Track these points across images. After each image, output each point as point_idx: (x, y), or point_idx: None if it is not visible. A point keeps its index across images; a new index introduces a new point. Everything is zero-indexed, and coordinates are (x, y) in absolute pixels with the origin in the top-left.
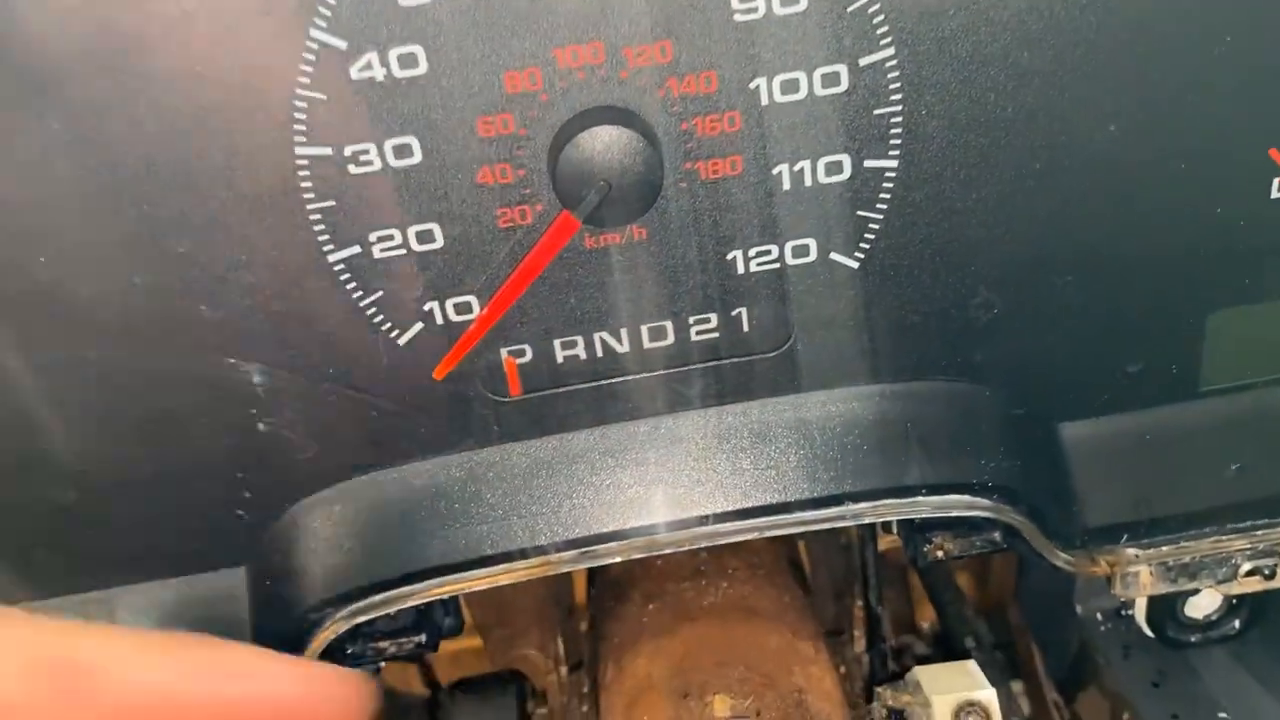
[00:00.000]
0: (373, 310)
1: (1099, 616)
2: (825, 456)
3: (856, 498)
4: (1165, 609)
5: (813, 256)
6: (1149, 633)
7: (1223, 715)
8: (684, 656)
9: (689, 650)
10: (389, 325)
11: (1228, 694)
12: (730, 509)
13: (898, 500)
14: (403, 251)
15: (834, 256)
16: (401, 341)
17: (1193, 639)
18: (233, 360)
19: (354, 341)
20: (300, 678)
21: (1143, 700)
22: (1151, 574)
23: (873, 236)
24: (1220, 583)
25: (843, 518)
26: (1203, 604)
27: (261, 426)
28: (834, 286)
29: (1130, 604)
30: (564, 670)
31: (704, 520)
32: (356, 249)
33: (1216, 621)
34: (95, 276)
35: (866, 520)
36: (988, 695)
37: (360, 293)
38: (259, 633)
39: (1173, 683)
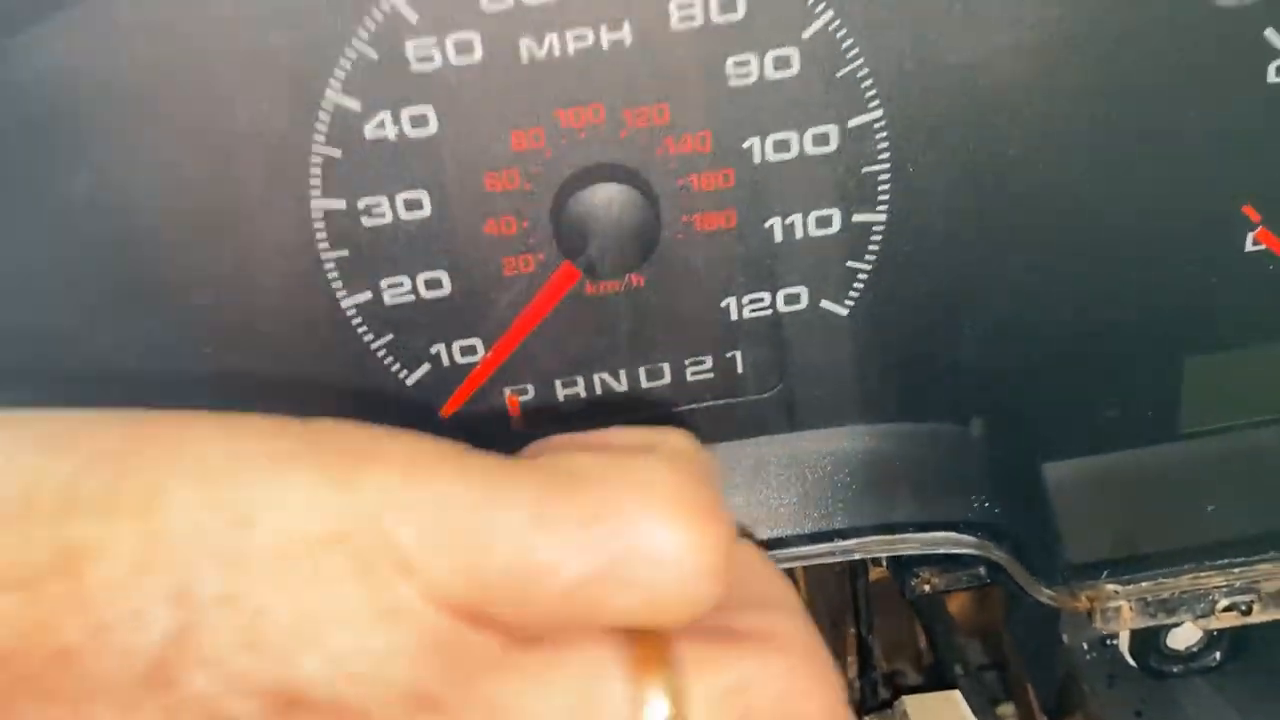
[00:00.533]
0: (383, 352)
1: (1085, 646)
2: (816, 494)
3: (846, 534)
4: (1148, 641)
5: (803, 304)
6: (1132, 663)
7: None
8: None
9: None
10: (398, 366)
11: None
12: None
13: (886, 537)
14: (412, 298)
15: (824, 304)
16: (409, 382)
17: (1174, 670)
18: (240, 405)
19: (364, 382)
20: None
21: None
22: (1131, 609)
23: (861, 286)
24: (1198, 618)
25: (833, 554)
26: (1184, 636)
27: None
28: (824, 332)
29: (1114, 635)
30: None
31: None
32: (368, 295)
33: (1198, 653)
34: (113, 327)
35: (855, 556)
36: None
37: (370, 336)
38: None
39: (1154, 712)
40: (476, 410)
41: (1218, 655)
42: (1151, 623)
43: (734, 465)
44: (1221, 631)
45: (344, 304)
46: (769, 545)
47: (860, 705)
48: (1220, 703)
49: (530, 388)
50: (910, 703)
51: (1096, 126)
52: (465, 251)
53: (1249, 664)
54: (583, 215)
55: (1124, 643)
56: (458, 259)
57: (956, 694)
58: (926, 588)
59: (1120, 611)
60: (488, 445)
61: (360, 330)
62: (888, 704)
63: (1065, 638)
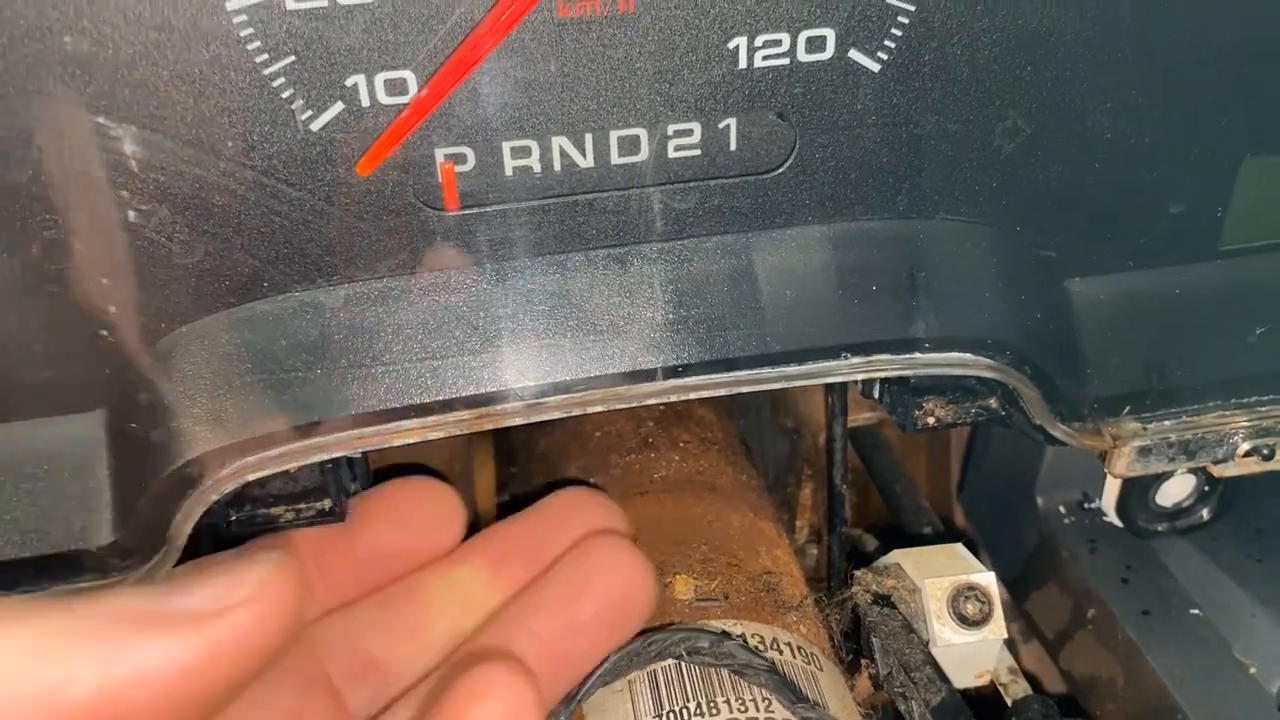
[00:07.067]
0: (280, 82)
1: (1062, 510)
2: (814, 302)
3: (853, 350)
4: (1137, 497)
5: (829, 53)
6: (1117, 522)
7: (1195, 611)
8: (634, 534)
9: (640, 527)
10: (301, 103)
11: (1199, 589)
12: (708, 359)
13: (894, 355)
14: (325, 3)
15: (853, 55)
16: (315, 126)
17: (1159, 529)
18: (103, 120)
19: (251, 127)
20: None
21: (1113, 595)
22: (1151, 450)
23: (900, 34)
24: (1217, 462)
25: (833, 373)
26: (1173, 491)
27: (133, 216)
28: (846, 95)
29: (1092, 497)
30: None
31: (676, 371)
32: None
33: (1186, 509)
34: None
35: (859, 376)
36: (986, 578)
37: (265, 56)
38: (119, 495)
39: (1142, 577)
40: (403, 176)
41: (1205, 513)
42: (1168, 466)
43: (719, 265)
44: (1212, 487)
45: (230, 5)
46: (755, 362)
47: (828, 563)
48: (1210, 564)
49: (470, 153)
50: (903, 557)
51: None
52: None
53: (1239, 522)
54: None
55: (1109, 500)
56: None
57: (959, 546)
58: (931, 420)
59: (1129, 454)
60: (416, 225)
61: (251, 46)
62: (868, 559)
63: (1040, 501)
